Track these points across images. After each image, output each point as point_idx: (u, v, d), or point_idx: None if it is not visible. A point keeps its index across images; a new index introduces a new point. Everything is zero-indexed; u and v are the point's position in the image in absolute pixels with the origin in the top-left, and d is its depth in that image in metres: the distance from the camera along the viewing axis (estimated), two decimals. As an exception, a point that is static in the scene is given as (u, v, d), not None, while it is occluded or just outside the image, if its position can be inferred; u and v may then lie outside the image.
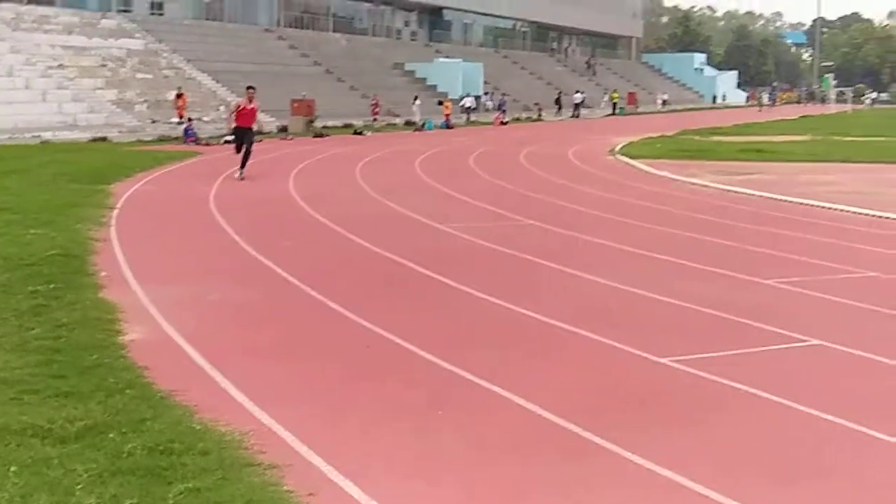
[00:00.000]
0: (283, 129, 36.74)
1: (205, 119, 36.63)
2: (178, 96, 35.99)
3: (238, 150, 19.56)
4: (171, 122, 35.09)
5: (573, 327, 7.65)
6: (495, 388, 6.05)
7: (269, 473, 4.62)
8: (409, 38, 72.27)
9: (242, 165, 19.28)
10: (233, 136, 20.14)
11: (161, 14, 49.75)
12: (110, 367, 6.22)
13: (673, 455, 4.95)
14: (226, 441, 4.99)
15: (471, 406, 5.82)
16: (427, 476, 4.74)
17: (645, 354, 6.86)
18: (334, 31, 62.88)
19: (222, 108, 39.88)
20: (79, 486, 4.30)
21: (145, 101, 37.50)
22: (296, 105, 38.30)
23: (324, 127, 38.75)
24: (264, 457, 4.82)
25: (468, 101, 51.43)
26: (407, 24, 72.68)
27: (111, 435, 4.94)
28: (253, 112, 19.68)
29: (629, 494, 4.57)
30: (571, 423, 5.41)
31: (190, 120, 32.80)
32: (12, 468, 4.49)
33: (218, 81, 42.86)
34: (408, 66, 60.92)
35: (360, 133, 38.95)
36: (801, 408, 5.73)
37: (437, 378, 6.37)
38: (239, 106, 20.01)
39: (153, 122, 35.59)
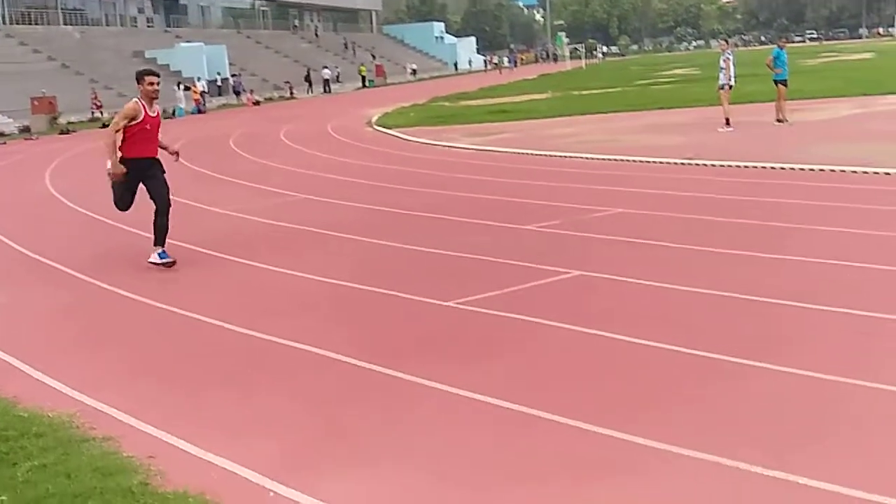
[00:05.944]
0: (26, 129, 35.18)
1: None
2: None
3: (122, 203, 9.84)
4: None
5: (362, 285, 8.22)
6: (302, 346, 6.52)
7: (106, 444, 4.91)
8: (145, 24, 70.18)
9: (159, 239, 9.56)
10: (122, 176, 9.46)
11: None
12: (-85, 374, 6.24)
13: (473, 379, 5.62)
14: (56, 423, 5.22)
15: (281, 366, 6.26)
16: (256, 430, 5.16)
17: (432, 300, 7.55)
18: (65, 24, 60.32)
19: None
20: (-77, 480, 4.46)
21: None
22: (36, 103, 36.67)
23: (69, 123, 37.34)
24: (96, 432, 5.09)
25: (200, 86, 50.31)
26: (141, 10, 70.58)
27: (-60, 433, 5.07)
28: (156, 126, 9.62)
29: (444, 414, 5.20)
30: (381, 366, 5.98)
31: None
32: None
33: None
34: (148, 54, 59.30)
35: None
36: (572, 327, 6.58)
37: (245, 346, 6.76)
38: (132, 118, 9.33)
39: None
